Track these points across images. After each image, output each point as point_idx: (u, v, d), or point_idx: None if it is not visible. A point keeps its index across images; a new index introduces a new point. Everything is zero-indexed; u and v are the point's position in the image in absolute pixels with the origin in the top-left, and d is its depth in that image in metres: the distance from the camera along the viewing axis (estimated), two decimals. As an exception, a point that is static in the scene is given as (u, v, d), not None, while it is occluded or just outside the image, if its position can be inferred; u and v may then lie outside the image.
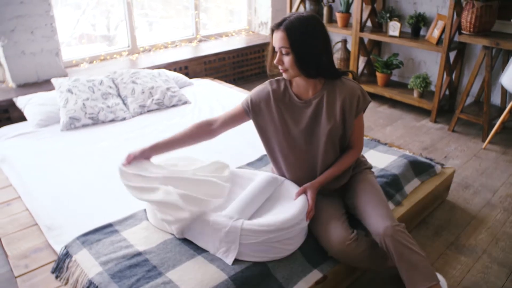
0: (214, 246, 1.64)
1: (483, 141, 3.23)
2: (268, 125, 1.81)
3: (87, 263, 1.62)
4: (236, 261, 1.60)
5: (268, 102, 1.79)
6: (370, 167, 2.01)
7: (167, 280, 1.53)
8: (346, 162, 1.82)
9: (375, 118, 3.70)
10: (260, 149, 2.44)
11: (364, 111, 1.80)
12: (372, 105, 3.97)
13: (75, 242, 1.73)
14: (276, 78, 1.83)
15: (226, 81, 4.19)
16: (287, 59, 1.64)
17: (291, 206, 1.71)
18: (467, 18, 3.12)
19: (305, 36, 1.60)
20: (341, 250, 1.65)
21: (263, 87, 1.82)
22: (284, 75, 1.72)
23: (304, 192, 1.75)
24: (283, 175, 1.93)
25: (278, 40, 1.63)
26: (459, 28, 3.31)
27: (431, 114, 3.60)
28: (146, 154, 1.83)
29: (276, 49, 1.66)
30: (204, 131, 1.85)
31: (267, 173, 1.89)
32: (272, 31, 1.66)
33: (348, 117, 1.74)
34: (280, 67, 1.68)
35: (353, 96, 1.72)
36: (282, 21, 1.62)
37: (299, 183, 1.86)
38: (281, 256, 1.65)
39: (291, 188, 1.83)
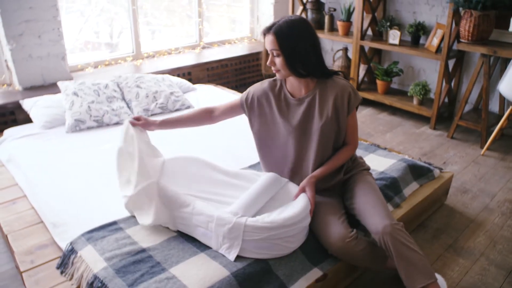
0: (217, 242, 1.67)
1: (482, 147, 3.27)
2: (260, 120, 1.94)
3: (92, 259, 1.66)
4: (238, 257, 1.64)
5: (263, 98, 1.92)
6: (368, 168, 2.06)
7: (170, 276, 1.57)
8: (341, 158, 1.88)
9: (375, 125, 3.74)
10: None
11: (356, 109, 1.88)
12: (372, 112, 4.02)
13: (80, 239, 1.77)
14: (273, 78, 1.95)
15: (228, 88, 4.25)
16: (278, 61, 1.75)
17: (294, 204, 1.75)
18: (465, 26, 3.18)
19: (293, 38, 1.70)
20: (341, 247, 1.68)
21: (261, 84, 1.96)
22: (277, 75, 1.83)
23: (303, 191, 1.80)
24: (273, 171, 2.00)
25: (269, 43, 1.74)
26: (457, 37, 3.37)
27: (431, 121, 3.65)
28: (152, 127, 2.03)
29: (268, 52, 1.77)
30: (205, 117, 2.05)
31: (271, 173, 1.93)
32: (264, 35, 1.76)
33: (341, 114, 1.81)
34: (272, 68, 1.80)
35: (344, 93, 1.80)
36: (271, 25, 1.74)
37: (291, 181, 1.95)
38: (283, 254, 1.69)
39: (294, 189, 1.87)
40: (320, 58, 1.79)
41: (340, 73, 1.88)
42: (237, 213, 1.67)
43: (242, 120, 3.06)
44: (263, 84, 1.94)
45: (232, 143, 2.67)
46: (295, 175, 1.95)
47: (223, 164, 2.13)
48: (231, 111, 2.03)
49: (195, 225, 1.74)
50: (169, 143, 2.68)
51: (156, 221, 1.77)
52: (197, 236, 1.75)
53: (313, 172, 1.85)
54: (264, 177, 1.90)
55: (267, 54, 1.81)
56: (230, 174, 2.01)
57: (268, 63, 1.79)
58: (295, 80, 1.85)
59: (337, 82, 1.83)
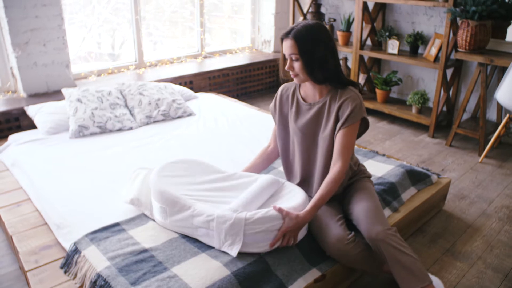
0: (220, 240, 1.70)
1: (480, 155, 3.31)
2: (278, 119, 2.01)
3: (95, 258, 1.69)
4: (239, 257, 1.67)
5: (281, 102, 1.99)
6: (369, 176, 2.08)
7: (172, 275, 1.60)
8: (329, 189, 1.74)
9: (375, 133, 3.79)
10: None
11: (365, 130, 1.88)
12: (371, 121, 4.07)
13: (83, 239, 1.80)
14: (288, 82, 2.01)
15: (229, 96, 4.30)
16: (296, 65, 1.77)
17: (292, 199, 1.81)
18: (463, 36, 3.24)
19: (311, 43, 1.72)
20: (339, 249, 1.72)
21: (277, 93, 2.03)
22: (295, 80, 1.85)
23: (283, 215, 1.69)
24: (290, 178, 2.06)
25: (287, 47, 1.76)
26: (455, 46, 3.43)
27: (429, 129, 3.70)
28: None
29: (287, 56, 1.79)
30: (266, 155, 2.14)
31: (269, 175, 1.97)
32: (282, 40, 1.79)
33: (339, 122, 1.81)
34: (291, 72, 1.82)
35: (349, 102, 1.78)
36: (290, 30, 1.76)
37: (301, 186, 1.98)
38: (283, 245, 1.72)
39: (292, 189, 1.91)
40: (337, 64, 1.80)
41: (357, 85, 1.87)
42: (237, 209, 1.70)
43: (242, 126, 3.12)
44: (283, 86, 2.02)
45: (232, 149, 2.71)
46: (304, 181, 2.00)
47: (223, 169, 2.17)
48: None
49: (196, 226, 1.77)
50: (170, 147, 2.73)
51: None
52: (199, 237, 1.78)
53: (300, 213, 1.71)
54: (262, 178, 1.94)
55: (285, 59, 1.84)
56: (228, 176, 2.05)
57: (286, 67, 1.81)
58: (310, 85, 1.88)
59: (349, 92, 1.81)
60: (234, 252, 1.67)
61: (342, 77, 1.82)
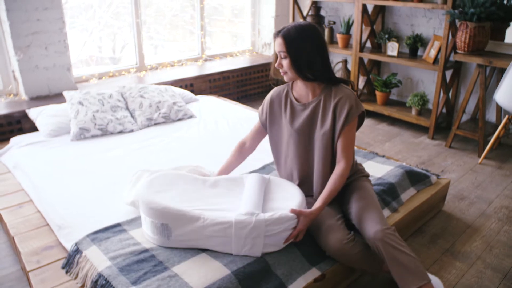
0: (238, 246, 1.69)
1: (479, 156, 3.32)
2: (270, 123, 2.02)
3: (96, 258, 1.71)
4: (239, 257, 1.69)
5: (275, 102, 2.00)
6: (367, 176, 2.10)
7: (172, 274, 1.61)
8: (337, 184, 1.81)
9: (375, 135, 3.80)
10: (261, 159, 2.55)
11: (357, 122, 1.87)
12: (371, 122, 4.09)
13: (85, 240, 1.82)
14: (278, 86, 2.03)
15: (230, 99, 4.31)
16: (285, 62, 1.82)
17: (291, 197, 1.84)
18: (462, 38, 3.26)
19: (299, 41, 1.77)
20: (338, 248, 1.73)
21: (268, 95, 2.04)
22: (285, 78, 1.89)
23: (297, 214, 1.74)
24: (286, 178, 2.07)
25: (277, 45, 1.82)
26: (454, 48, 3.45)
27: (429, 131, 3.71)
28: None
29: (277, 54, 1.85)
30: (241, 152, 2.14)
31: (254, 174, 1.98)
32: (274, 38, 1.85)
33: (337, 121, 1.84)
34: (280, 70, 1.87)
35: (345, 101, 1.82)
36: (282, 29, 1.82)
37: (300, 188, 1.98)
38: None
39: (280, 184, 1.95)
40: (326, 63, 1.84)
41: (349, 82, 1.91)
42: (253, 212, 1.69)
43: (242, 128, 3.14)
44: (270, 94, 2.03)
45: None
46: (303, 182, 2.00)
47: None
48: (257, 134, 2.11)
49: (208, 236, 1.70)
50: (171, 149, 2.74)
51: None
52: (211, 247, 1.73)
53: (314, 208, 1.77)
54: (251, 178, 1.94)
55: (277, 58, 1.88)
56: (213, 183, 1.98)
57: (276, 65, 1.86)
58: (302, 85, 1.91)
59: (342, 90, 1.85)
60: (257, 253, 1.69)
61: (332, 75, 1.87)
